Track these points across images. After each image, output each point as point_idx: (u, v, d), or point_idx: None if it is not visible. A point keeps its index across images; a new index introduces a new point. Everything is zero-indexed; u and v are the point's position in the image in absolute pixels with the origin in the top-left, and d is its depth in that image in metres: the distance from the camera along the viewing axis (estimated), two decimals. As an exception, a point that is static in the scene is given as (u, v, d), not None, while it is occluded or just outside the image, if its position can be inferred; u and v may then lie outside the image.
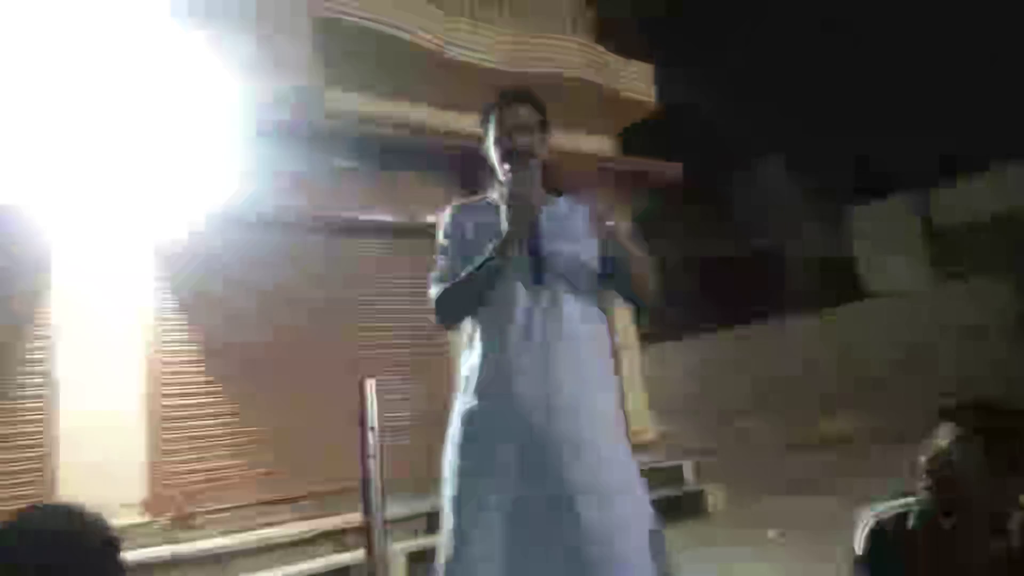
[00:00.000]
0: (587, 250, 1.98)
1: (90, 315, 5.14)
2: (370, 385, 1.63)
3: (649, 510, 1.88)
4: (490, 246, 1.91)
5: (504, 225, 1.91)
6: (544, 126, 2.10)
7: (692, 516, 6.58)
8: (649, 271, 2.02)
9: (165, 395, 5.34)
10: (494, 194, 2.08)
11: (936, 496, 1.73)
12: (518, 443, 1.80)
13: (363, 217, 6.46)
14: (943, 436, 1.74)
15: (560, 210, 2.04)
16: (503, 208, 1.92)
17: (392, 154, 6.45)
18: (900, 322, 11.76)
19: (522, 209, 1.89)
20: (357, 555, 4.49)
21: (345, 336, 6.08)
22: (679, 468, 7.20)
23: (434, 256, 2.09)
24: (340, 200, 6.26)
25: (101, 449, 4.92)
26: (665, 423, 8.39)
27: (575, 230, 2.00)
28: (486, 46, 7.47)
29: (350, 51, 6.51)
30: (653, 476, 7.03)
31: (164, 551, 4.84)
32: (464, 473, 1.85)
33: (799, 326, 13.31)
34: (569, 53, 8.05)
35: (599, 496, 1.76)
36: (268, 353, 5.74)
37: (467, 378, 1.95)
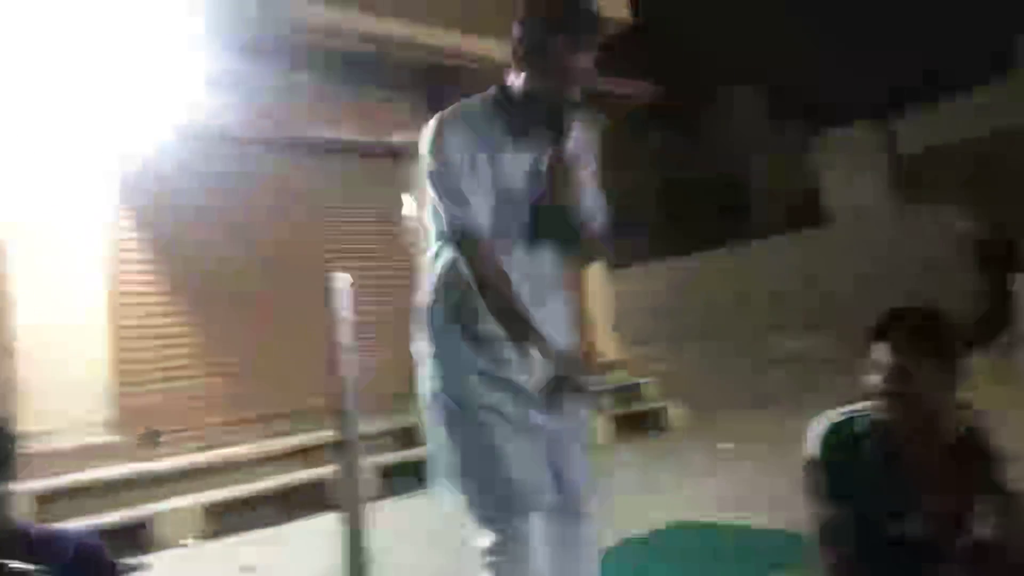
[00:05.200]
0: (585, 204, 1.90)
1: (48, 233, 5.00)
2: (338, 278, 1.60)
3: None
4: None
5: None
6: None
7: (653, 431, 6.81)
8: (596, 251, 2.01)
9: (127, 315, 5.27)
10: (497, 100, 1.87)
11: (886, 407, 1.79)
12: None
13: (328, 135, 6.30)
14: (885, 354, 1.78)
15: (570, 158, 1.86)
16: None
17: (358, 69, 6.25)
18: (861, 247, 11.99)
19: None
20: (329, 470, 4.54)
21: (310, 254, 6.00)
22: (642, 386, 7.42)
23: (431, 181, 1.82)
24: (303, 117, 6.08)
25: (63, 368, 4.86)
26: (630, 344, 8.54)
27: (579, 183, 1.88)
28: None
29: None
30: (618, 395, 7.24)
31: (131, 469, 4.86)
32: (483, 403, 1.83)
33: (763, 251, 13.50)
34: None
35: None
36: (232, 271, 5.66)
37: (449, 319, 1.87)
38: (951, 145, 13.59)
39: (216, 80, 5.40)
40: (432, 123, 1.84)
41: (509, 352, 1.80)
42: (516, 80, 1.85)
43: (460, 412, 1.84)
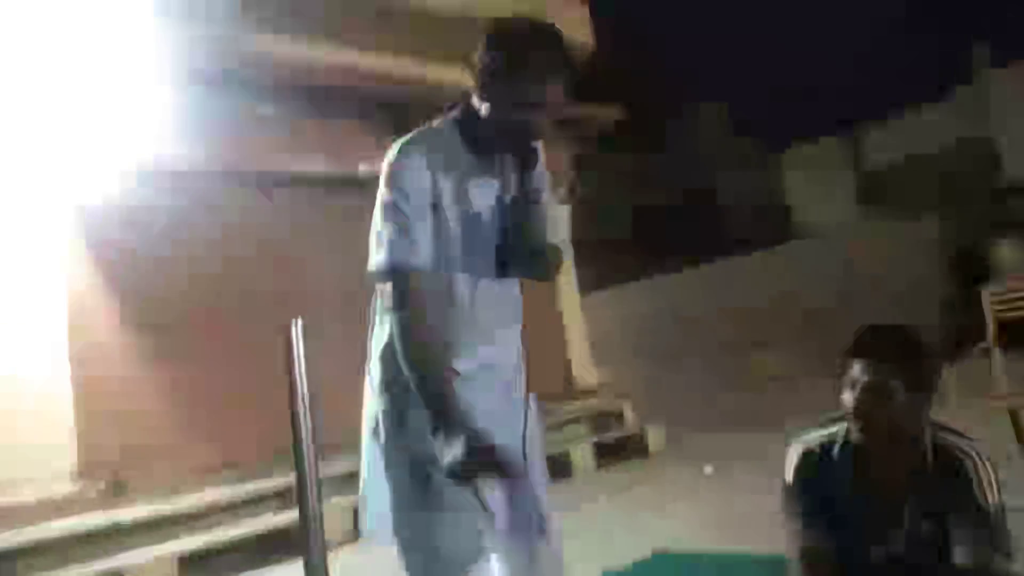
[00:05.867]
0: (549, 228, 1.83)
1: (6, 279, 4.88)
2: (297, 326, 1.54)
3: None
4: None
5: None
6: None
7: (634, 456, 6.75)
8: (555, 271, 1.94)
9: (89, 360, 5.13)
10: (459, 126, 1.81)
11: (861, 427, 1.78)
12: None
13: (292, 168, 6.25)
14: (860, 373, 1.77)
15: (536, 187, 1.80)
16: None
17: (320, 101, 6.22)
18: (831, 262, 12.12)
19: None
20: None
21: (275, 293, 5.91)
22: (619, 412, 7.38)
23: (381, 211, 1.74)
24: (267, 150, 6.03)
25: (23, 416, 4.72)
26: (605, 368, 8.51)
27: (544, 210, 1.82)
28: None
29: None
30: (596, 420, 7.19)
31: (99, 520, 4.71)
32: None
33: (733, 269, 13.60)
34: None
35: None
36: (197, 313, 5.55)
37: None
38: (915, 158, 13.87)
39: (179, 114, 5.34)
40: (392, 150, 1.77)
41: (476, 395, 1.74)
42: (480, 106, 1.77)
43: (410, 456, 1.75)
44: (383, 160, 1.78)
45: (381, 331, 1.84)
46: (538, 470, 1.90)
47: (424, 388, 1.66)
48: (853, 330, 1.83)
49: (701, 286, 13.87)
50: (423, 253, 1.70)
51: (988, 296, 4.10)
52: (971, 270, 8.84)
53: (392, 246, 1.69)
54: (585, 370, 7.87)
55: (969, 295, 4.61)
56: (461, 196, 1.75)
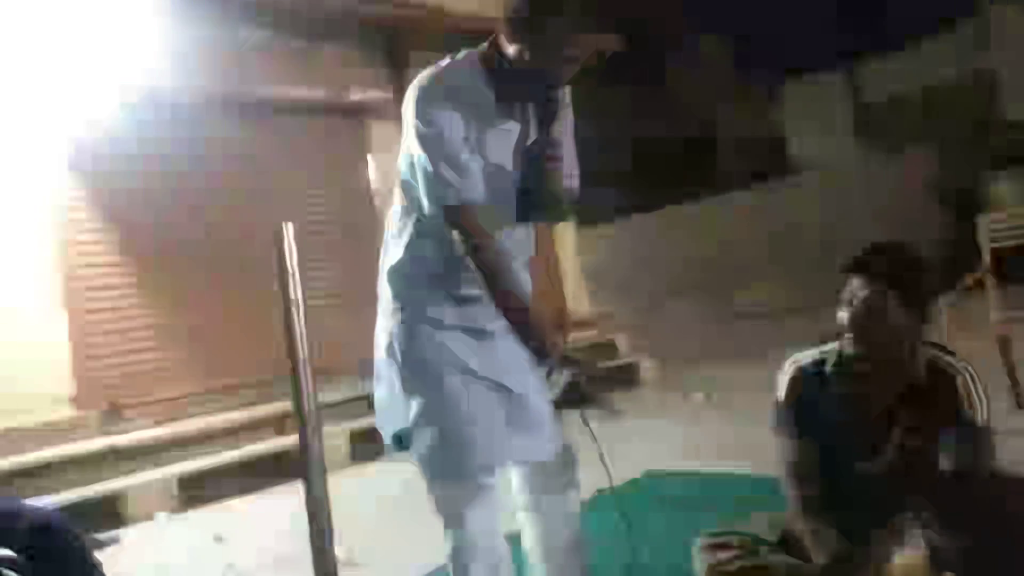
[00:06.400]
0: (566, 171, 1.84)
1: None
2: (287, 228, 1.52)
3: None
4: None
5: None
6: None
7: (626, 386, 6.84)
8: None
9: (81, 288, 5.11)
10: (483, 70, 1.74)
11: (858, 344, 1.78)
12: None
13: (281, 95, 6.11)
14: (858, 288, 1.77)
15: (555, 132, 1.79)
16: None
17: (312, 25, 6.05)
18: (828, 196, 12.05)
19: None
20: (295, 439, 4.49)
21: (266, 221, 5.84)
22: (613, 343, 7.45)
23: (425, 146, 1.68)
24: (255, 75, 5.89)
25: (19, 345, 4.72)
26: (600, 302, 8.55)
27: (564, 156, 1.82)
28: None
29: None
30: (589, 351, 7.24)
31: (98, 443, 4.77)
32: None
33: (730, 204, 13.51)
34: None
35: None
36: (189, 239, 5.51)
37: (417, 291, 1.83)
38: (914, 92, 13.66)
39: (166, 40, 5.19)
40: (416, 87, 1.71)
41: (485, 312, 1.78)
42: (507, 48, 1.69)
43: (428, 370, 1.79)
44: (377, 87, 1.79)
45: (395, 252, 1.86)
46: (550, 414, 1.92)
47: (508, 300, 1.70)
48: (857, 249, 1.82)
49: (696, 222, 13.82)
50: (479, 186, 1.69)
51: (986, 225, 4.09)
52: (969, 204, 8.80)
53: (449, 181, 1.66)
54: (578, 302, 7.89)
55: (966, 228, 4.60)
56: (482, 140, 1.72)
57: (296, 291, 1.48)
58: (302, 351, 1.50)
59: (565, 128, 1.84)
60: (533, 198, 1.80)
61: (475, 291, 1.77)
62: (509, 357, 1.81)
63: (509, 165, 1.77)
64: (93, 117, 5.11)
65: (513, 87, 1.73)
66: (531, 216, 1.84)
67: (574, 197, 1.90)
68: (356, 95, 6.45)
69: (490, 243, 1.70)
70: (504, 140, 1.75)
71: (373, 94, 6.42)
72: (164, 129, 5.37)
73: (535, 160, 1.77)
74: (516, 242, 1.86)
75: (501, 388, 1.81)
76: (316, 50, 6.16)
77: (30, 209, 4.95)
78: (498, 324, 1.79)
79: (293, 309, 1.47)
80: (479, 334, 1.82)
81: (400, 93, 7.00)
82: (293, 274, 1.48)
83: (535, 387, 1.83)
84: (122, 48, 5.05)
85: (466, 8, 6.14)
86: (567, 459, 1.93)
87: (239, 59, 5.74)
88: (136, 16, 5.02)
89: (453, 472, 1.78)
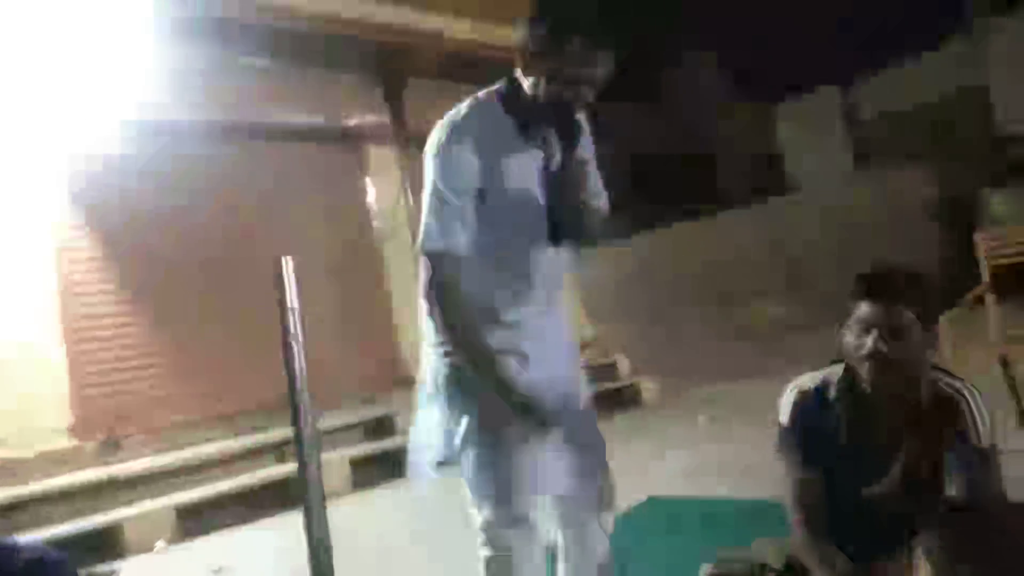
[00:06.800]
0: (592, 195, 1.91)
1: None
2: (287, 263, 1.52)
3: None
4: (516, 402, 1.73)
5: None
6: None
7: (628, 407, 6.81)
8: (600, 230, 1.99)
9: (79, 316, 5.09)
10: (505, 100, 1.81)
11: (877, 369, 1.75)
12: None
13: (278, 120, 6.14)
14: (875, 314, 1.74)
15: (578, 155, 1.84)
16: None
17: (308, 50, 6.09)
18: (825, 213, 12.07)
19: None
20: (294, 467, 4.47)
21: (265, 247, 5.86)
22: (614, 364, 7.42)
23: (429, 191, 1.78)
24: (253, 102, 5.92)
25: (16, 374, 4.71)
26: (600, 322, 8.53)
27: (588, 179, 1.88)
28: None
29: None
30: (591, 372, 7.20)
31: (95, 474, 4.73)
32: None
33: (729, 222, 13.54)
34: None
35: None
36: (187, 268, 5.51)
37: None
38: (911, 107, 13.75)
39: (165, 68, 5.22)
40: (442, 128, 1.78)
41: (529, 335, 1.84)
42: (524, 82, 1.77)
43: (472, 399, 1.81)
44: (371, 111, 1.87)
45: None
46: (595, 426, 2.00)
47: (472, 349, 1.76)
48: (847, 280, 1.80)
49: (695, 239, 13.83)
50: (460, 238, 1.76)
51: (983, 242, 4.08)
52: (967, 220, 8.81)
53: (428, 230, 1.77)
54: (580, 324, 7.88)
55: (963, 244, 4.59)
56: (507, 166, 1.77)
57: (296, 326, 1.48)
58: (301, 387, 1.49)
59: (587, 150, 1.90)
60: (561, 220, 1.85)
61: (517, 316, 1.83)
62: (554, 383, 1.86)
63: (536, 189, 1.82)
64: (92, 147, 5.13)
65: (533, 116, 1.78)
66: (561, 237, 1.87)
67: (603, 217, 1.96)
68: (354, 120, 6.49)
69: (454, 295, 1.77)
70: (528, 166, 1.81)
71: (371, 119, 6.46)
72: (163, 157, 5.40)
73: (560, 183, 1.82)
74: (545, 277, 1.88)
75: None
76: (314, 77, 6.19)
77: (29, 239, 4.96)
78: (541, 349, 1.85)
79: (293, 344, 1.46)
80: (523, 360, 1.84)
81: (397, 118, 7.06)
82: (293, 309, 1.48)
83: (581, 414, 1.92)
84: (121, 76, 5.08)
85: (461, 34, 6.19)
86: (607, 490, 1.97)
87: (239, 86, 5.77)
88: (135, 44, 5.05)
89: (497, 500, 1.80)
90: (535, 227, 1.84)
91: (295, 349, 1.48)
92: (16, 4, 4.70)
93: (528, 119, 1.78)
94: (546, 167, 1.83)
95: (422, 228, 1.79)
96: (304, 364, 1.48)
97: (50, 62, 4.91)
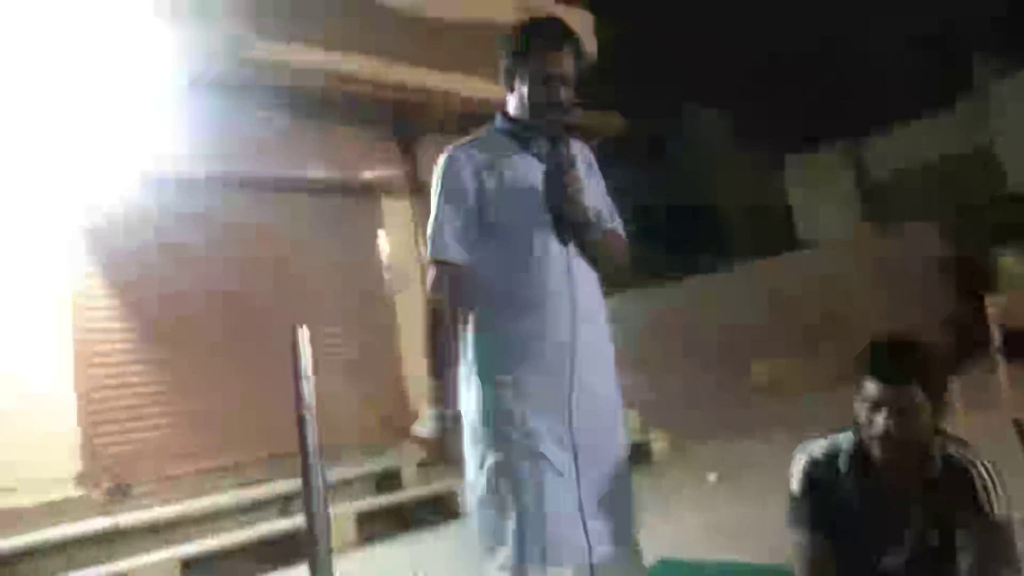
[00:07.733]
0: (595, 201, 2.06)
1: (13, 284, 4.88)
2: (302, 334, 1.55)
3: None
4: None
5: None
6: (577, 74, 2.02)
7: (639, 464, 6.73)
8: (620, 250, 2.15)
9: (94, 365, 5.13)
10: (498, 124, 2.05)
11: (888, 447, 1.75)
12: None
13: (294, 174, 6.25)
14: (882, 393, 1.74)
15: (576, 162, 2.01)
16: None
17: (325, 107, 6.23)
18: (834, 270, 12.07)
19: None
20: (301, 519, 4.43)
21: (279, 298, 5.91)
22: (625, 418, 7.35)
23: (434, 212, 1.98)
24: (270, 156, 6.04)
25: (28, 422, 4.71)
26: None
27: (587, 183, 2.03)
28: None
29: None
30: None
31: (101, 523, 4.70)
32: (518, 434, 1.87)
33: (737, 277, 13.55)
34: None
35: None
36: (200, 319, 5.56)
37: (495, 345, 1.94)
38: (918, 167, 13.87)
39: (181, 122, 5.34)
40: (442, 155, 2.01)
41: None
42: (511, 102, 2.03)
43: (499, 445, 1.87)
44: (387, 165, 2.01)
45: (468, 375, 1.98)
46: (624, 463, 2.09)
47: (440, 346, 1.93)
48: (855, 340, 1.82)
49: (702, 295, 13.81)
50: (460, 247, 1.93)
51: (995, 305, 4.08)
52: (973, 280, 8.81)
53: (434, 240, 1.95)
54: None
55: (971, 305, 4.60)
56: (510, 167, 1.96)
57: (310, 396, 1.50)
58: (313, 460, 1.50)
59: (592, 178, 2.10)
60: (562, 217, 1.96)
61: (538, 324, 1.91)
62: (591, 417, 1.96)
63: (538, 185, 1.97)
64: (110, 197, 5.22)
65: (523, 128, 2.01)
66: (563, 230, 1.96)
67: (623, 241, 2.16)
68: (369, 174, 6.60)
69: (457, 288, 1.93)
70: (527, 166, 1.99)
71: (385, 172, 6.57)
72: (181, 211, 5.49)
73: (560, 183, 1.95)
74: (586, 284, 2.01)
75: (573, 464, 1.87)
76: (331, 132, 6.33)
77: (43, 288, 5.01)
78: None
79: (306, 415, 1.48)
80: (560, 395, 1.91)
81: (411, 171, 7.18)
82: (308, 378, 1.50)
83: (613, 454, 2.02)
84: (140, 129, 5.19)
85: (472, 91, 6.35)
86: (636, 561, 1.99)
87: (256, 139, 5.89)
88: (154, 97, 5.18)
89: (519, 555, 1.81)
90: (538, 215, 1.95)
91: (308, 420, 1.49)
92: (39, 56, 4.84)
93: (519, 132, 2.01)
94: (546, 171, 1.97)
95: (428, 239, 1.97)
96: (317, 437, 1.50)
97: (69, 114, 5.02)
